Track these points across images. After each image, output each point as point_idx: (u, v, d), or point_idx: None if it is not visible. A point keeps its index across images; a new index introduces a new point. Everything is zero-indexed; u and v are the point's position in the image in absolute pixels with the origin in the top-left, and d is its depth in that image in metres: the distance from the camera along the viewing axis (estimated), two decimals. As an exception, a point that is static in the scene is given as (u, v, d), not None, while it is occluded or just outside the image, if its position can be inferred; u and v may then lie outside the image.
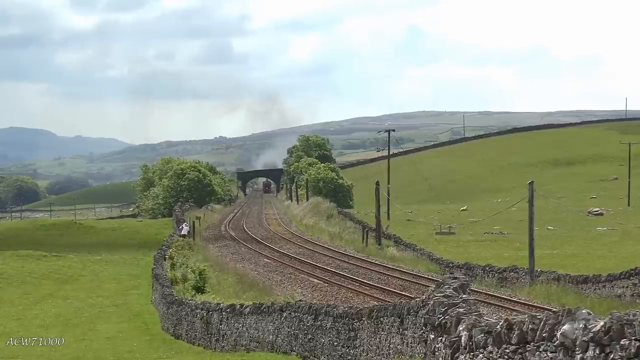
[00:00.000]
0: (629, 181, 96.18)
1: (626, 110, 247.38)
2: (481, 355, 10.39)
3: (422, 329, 13.35)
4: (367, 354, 16.35)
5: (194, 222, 62.79)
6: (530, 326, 9.15)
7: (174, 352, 26.28)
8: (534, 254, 34.64)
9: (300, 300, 24.50)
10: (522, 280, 34.85)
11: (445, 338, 11.96)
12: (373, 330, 16.10)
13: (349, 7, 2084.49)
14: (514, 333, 9.52)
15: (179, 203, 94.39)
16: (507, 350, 9.64)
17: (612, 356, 7.63)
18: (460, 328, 11.41)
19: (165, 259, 45.20)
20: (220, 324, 26.24)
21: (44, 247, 62.24)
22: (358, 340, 17.02)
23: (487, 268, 38.17)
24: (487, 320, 11.14)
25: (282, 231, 68.31)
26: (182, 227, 61.08)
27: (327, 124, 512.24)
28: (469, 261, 40.92)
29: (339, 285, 34.62)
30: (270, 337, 22.37)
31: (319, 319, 19.32)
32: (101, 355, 25.95)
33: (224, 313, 26.03)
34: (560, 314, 8.66)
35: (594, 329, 7.95)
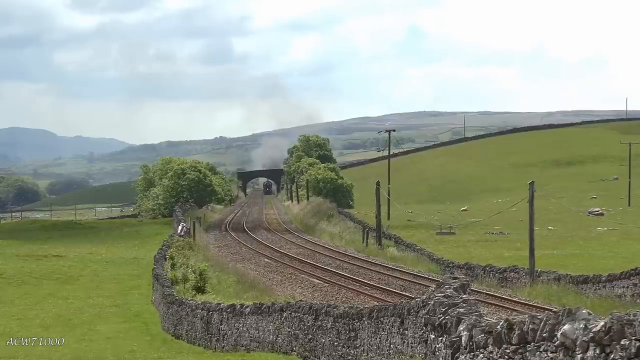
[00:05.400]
0: (630, 181, 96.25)
1: (627, 110, 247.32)
2: (481, 355, 10.39)
3: (422, 329, 13.36)
4: (368, 354, 16.36)
5: (194, 223, 62.69)
6: (530, 326, 9.16)
7: (175, 352, 26.26)
8: (534, 254, 34.64)
9: (301, 300, 24.50)
10: (523, 280, 34.83)
11: (446, 338, 11.96)
12: (373, 330, 16.11)
13: (350, 8, 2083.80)
14: (514, 333, 9.53)
15: (179, 203, 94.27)
16: (508, 351, 9.64)
17: (612, 356, 7.63)
18: (461, 328, 11.42)
19: (165, 259, 45.18)
20: (221, 324, 26.25)
21: (44, 247, 62.23)
22: (358, 340, 17.02)
23: (487, 268, 38.15)
24: (487, 320, 11.14)
25: (283, 231, 68.33)
26: (180, 227, 60.72)
27: (327, 124, 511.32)
28: (469, 261, 40.89)
29: (339, 285, 34.63)
30: (271, 337, 22.38)
31: (320, 319, 19.32)
32: (101, 355, 25.92)
33: (224, 313, 26.03)
34: (561, 314, 8.67)
35: (594, 329, 7.95)
